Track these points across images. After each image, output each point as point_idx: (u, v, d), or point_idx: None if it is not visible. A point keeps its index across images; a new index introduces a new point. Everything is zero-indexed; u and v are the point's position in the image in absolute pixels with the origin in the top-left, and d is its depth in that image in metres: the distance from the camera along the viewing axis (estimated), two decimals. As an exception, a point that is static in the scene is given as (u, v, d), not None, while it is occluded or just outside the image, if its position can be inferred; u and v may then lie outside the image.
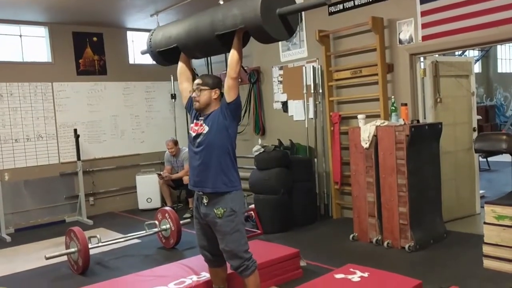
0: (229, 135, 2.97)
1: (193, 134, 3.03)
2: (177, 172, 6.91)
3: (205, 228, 3.09)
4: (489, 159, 8.85)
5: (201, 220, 3.08)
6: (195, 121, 3.07)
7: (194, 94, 3.01)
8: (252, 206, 5.56)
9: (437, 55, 5.28)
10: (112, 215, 7.13)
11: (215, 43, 2.98)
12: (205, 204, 2.97)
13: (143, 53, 3.66)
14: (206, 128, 2.97)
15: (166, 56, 3.38)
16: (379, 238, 4.64)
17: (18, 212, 6.50)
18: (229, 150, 2.97)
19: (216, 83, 3.04)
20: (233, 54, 2.87)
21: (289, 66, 6.44)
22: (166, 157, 7.08)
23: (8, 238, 5.97)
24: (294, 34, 3.04)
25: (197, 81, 3.03)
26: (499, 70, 15.21)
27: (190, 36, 3.12)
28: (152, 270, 3.81)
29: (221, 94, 3.02)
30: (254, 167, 5.74)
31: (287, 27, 2.78)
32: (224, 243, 2.96)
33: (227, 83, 2.91)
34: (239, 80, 2.89)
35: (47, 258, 4.29)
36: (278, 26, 2.73)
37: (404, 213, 4.41)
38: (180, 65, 3.28)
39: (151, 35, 3.45)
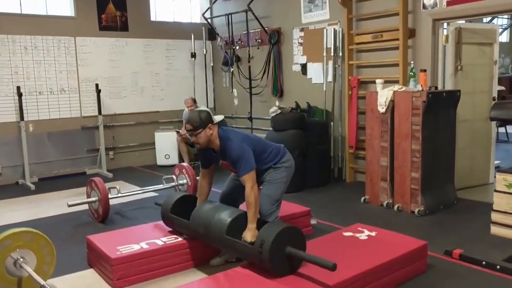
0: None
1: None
2: (195, 130, 7.03)
3: (235, 182, 3.36)
4: (509, 131, 8.76)
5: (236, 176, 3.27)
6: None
7: (192, 140, 3.13)
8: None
9: (461, 21, 5.18)
10: (131, 169, 7.34)
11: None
12: None
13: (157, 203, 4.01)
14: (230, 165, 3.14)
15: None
16: (390, 201, 4.73)
17: (41, 163, 6.74)
18: (258, 157, 3.09)
19: (205, 119, 3.04)
20: None
21: (310, 28, 6.39)
22: (185, 115, 7.18)
23: (32, 186, 6.24)
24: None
25: (188, 127, 3.07)
26: (528, 40, 14.68)
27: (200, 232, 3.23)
28: (168, 221, 3.96)
29: (221, 121, 3.18)
30: (271, 128, 5.81)
31: (290, 265, 2.79)
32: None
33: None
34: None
35: (69, 205, 4.51)
36: (282, 259, 2.76)
37: (416, 178, 4.47)
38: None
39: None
